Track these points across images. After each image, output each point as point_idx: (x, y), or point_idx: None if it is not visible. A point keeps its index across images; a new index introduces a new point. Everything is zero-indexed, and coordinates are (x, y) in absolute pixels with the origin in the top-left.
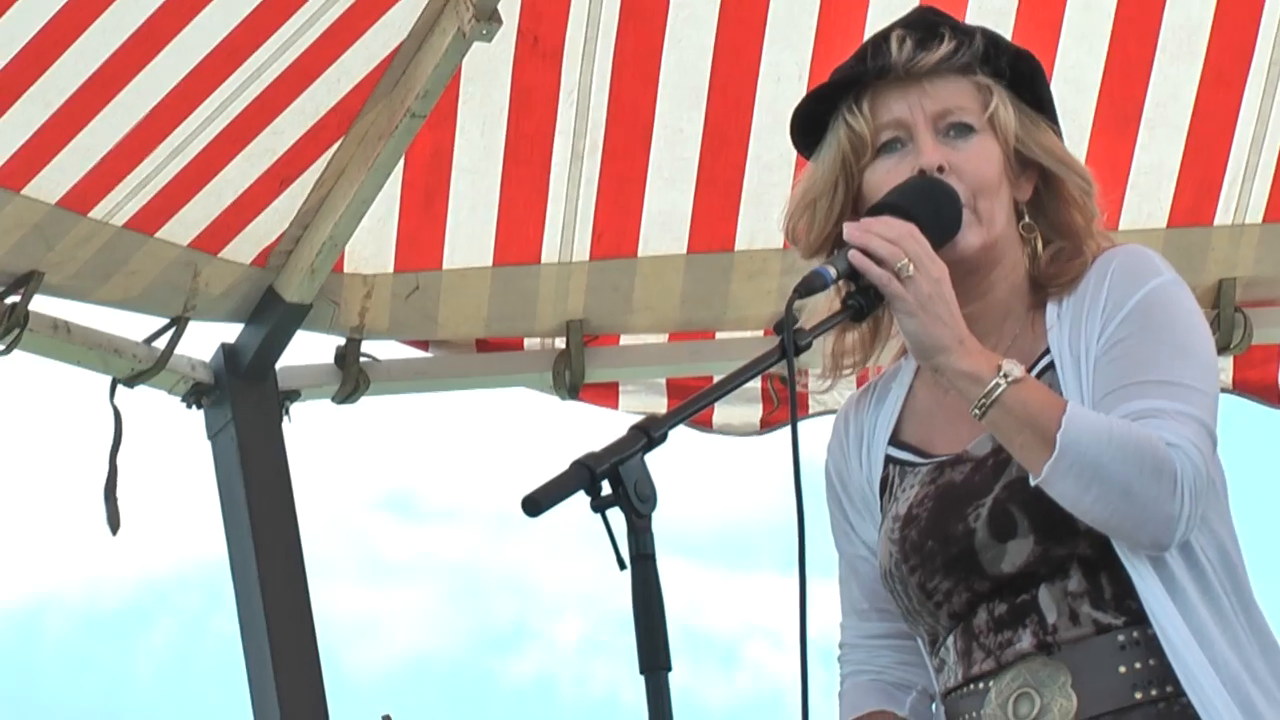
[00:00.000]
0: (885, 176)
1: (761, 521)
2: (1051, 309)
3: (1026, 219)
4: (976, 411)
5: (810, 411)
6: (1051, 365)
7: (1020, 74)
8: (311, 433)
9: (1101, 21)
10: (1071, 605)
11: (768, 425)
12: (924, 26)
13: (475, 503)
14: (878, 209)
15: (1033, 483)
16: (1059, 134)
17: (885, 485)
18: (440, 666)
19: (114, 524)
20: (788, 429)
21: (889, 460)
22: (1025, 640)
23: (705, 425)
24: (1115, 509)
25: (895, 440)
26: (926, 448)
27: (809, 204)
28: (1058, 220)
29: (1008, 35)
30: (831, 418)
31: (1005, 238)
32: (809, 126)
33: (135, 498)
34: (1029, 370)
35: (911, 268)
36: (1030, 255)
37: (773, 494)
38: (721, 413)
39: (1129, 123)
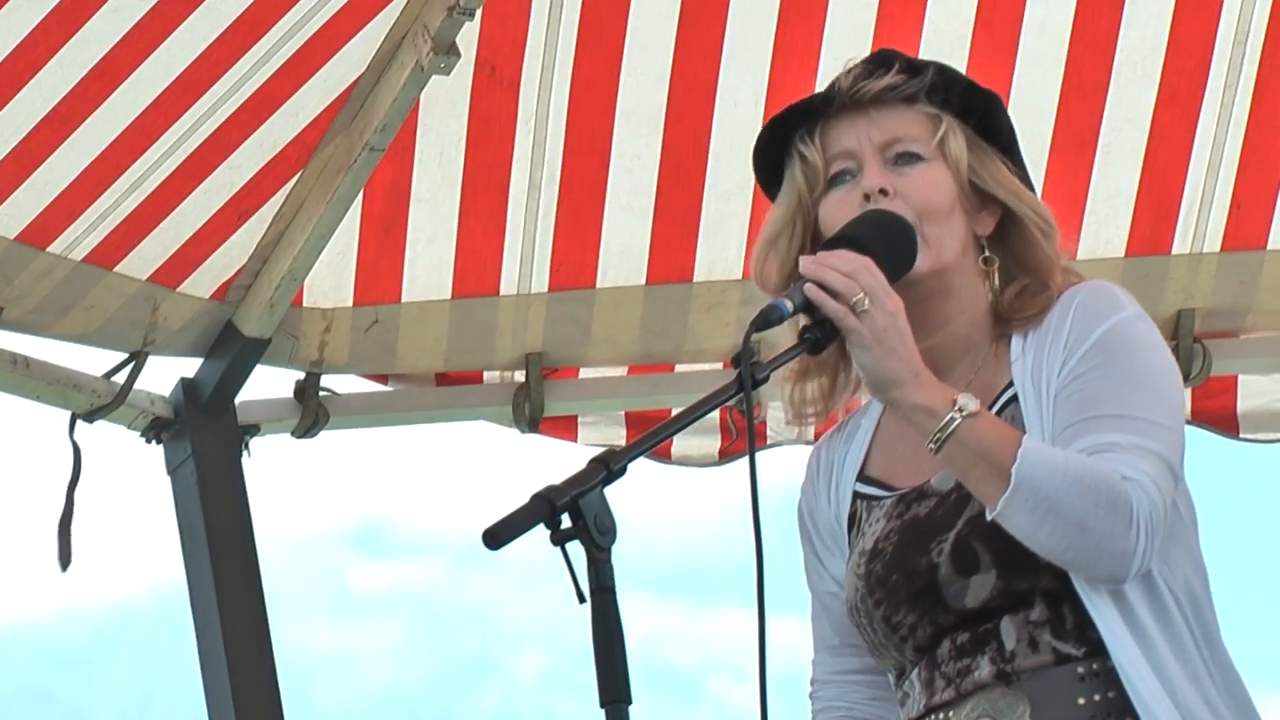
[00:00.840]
0: (836, 207)
1: (723, 554)
2: (1016, 342)
3: (987, 253)
4: (932, 445)
5: (768, 443)
6: (1015, 398)
7: (973, 106)
8: (276, 467)
9: (1057, 45)
10: (1032, 633)
11: (726, 456)
12: (878, 60)
13: (436, 537)
14: (833, 242)
15: (988, 517)
16: (1022, 173)
17: (853, 520)
18: (402, 702)
19: (64, 560)
20: (746, 460)
21: (856, 496)
22: (984, 669)
23: (664, 456)
24: (1070, 543)
25: (862, 475)
26: (890, 480)
27: (771, 241)
28: (1022, 256)
29: (963, 59)
30: (790, 448)
31: (960, 268)
32: (770, 165)
33: (96, 533)
34: (992, 403)
35: (867, 301)
36: (991, 289)
37: (734, 526)
38: (680, 444)
39: (1085, 147)
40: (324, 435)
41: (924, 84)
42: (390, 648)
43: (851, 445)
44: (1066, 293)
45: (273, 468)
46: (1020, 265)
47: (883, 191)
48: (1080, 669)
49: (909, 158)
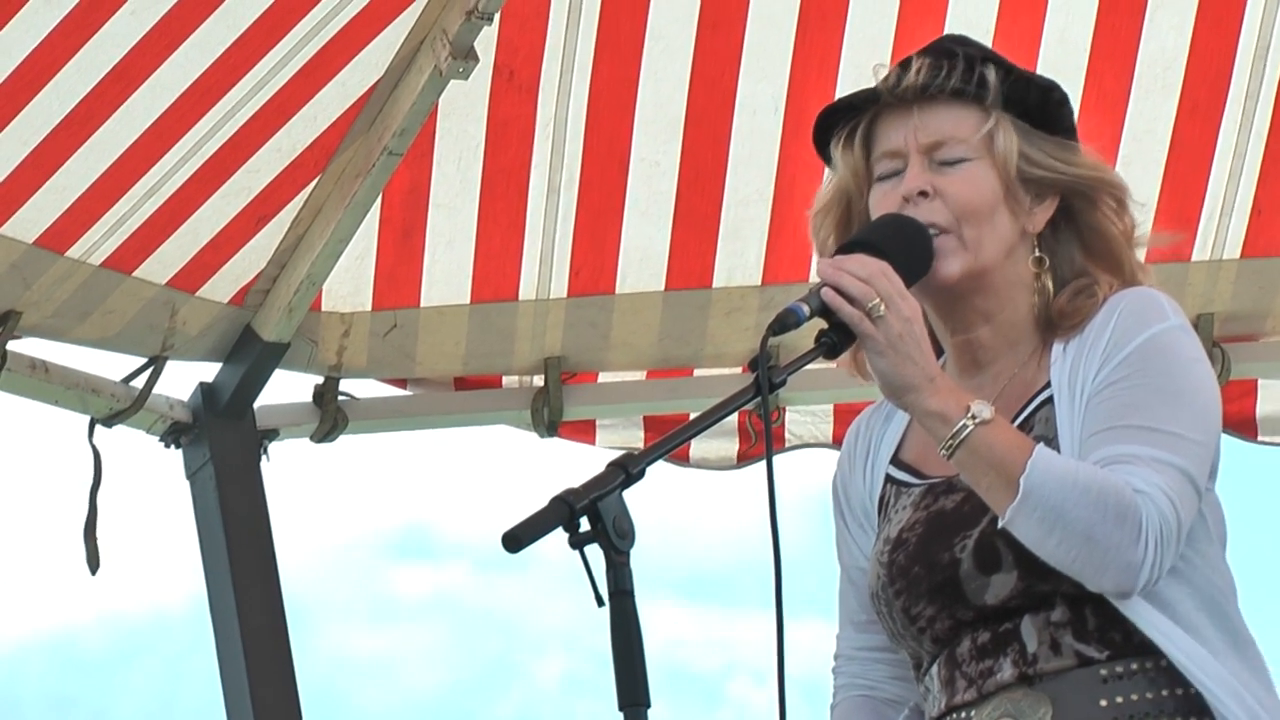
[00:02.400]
0: (879, 204)
1: (743, 558)
2: (1058, 345)
3: (1038, 252)
4: (944, 451)
5: (786, 446)
6: (1051, 399)
7: (1029, 100)
8: (315, 473)
9: (1077, 55)
10: (1054, 635)
11: (745, 459)
12: (937, 53)
13: (457, 542)
14: (849, 246)
15: (999, 524)
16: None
17: (882, 503)
18: (425, 706)
19: (93, 564)
20: (765, 463)
21: (888, 479)
22: (1006, 670)
23: (682, 460)
24: (1077, 554)
25: (896, 459)
26: (921, 467)
27: (816, 215)
28: (1089, 236)
29: None
30: (807, 451)
31: (1002, 269)
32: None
33: (115, 538)
34: (1028, 402)
35: (883, 307)
36: (1040, 290)
37: (754, 530)
38: (698, 447)
39: (1106, 157)
40: (365, 440)
41: (974, 81)
42: (428, 652)
43: (890, 426)
44: (1113, 297)
45: (311, 474)
46: (1088, 249)
47: (922, 194)
48: (1103, 671)
49: (952, 160)
